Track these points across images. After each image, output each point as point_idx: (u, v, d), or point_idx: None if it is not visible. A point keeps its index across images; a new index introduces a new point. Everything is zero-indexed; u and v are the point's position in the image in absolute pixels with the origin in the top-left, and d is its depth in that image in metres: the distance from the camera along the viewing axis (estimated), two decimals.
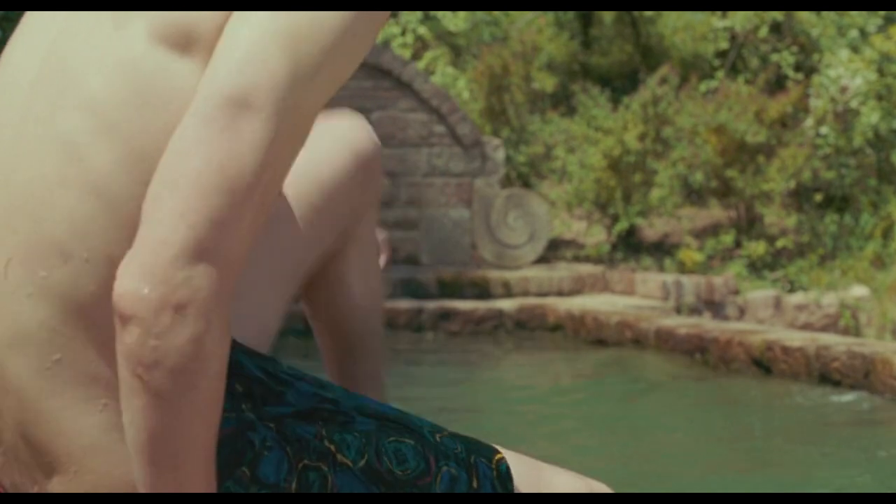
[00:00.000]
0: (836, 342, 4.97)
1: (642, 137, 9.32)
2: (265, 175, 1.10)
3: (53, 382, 1.19)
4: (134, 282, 1.06)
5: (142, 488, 1.12)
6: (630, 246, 9.46)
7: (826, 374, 4.76)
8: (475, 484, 1.34)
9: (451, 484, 1.32)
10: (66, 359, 1.18)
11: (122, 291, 1.07)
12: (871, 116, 9.10)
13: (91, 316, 1.17)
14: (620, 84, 11.97)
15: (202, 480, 1.13)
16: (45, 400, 1.19)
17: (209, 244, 1.07)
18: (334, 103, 1.44)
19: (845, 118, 9.26)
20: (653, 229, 9.78)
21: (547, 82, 11.26)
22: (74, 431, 1.20)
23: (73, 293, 1.17)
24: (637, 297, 7.91)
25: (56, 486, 1.21)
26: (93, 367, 1.19)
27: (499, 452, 1.39)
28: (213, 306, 1.07)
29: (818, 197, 9.47)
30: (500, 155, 8.97)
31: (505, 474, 1.37)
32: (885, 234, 8.78)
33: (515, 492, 1.37)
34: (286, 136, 1.11)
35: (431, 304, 7.66)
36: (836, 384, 4.69)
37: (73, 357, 1.18)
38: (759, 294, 8.06)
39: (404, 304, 7.68)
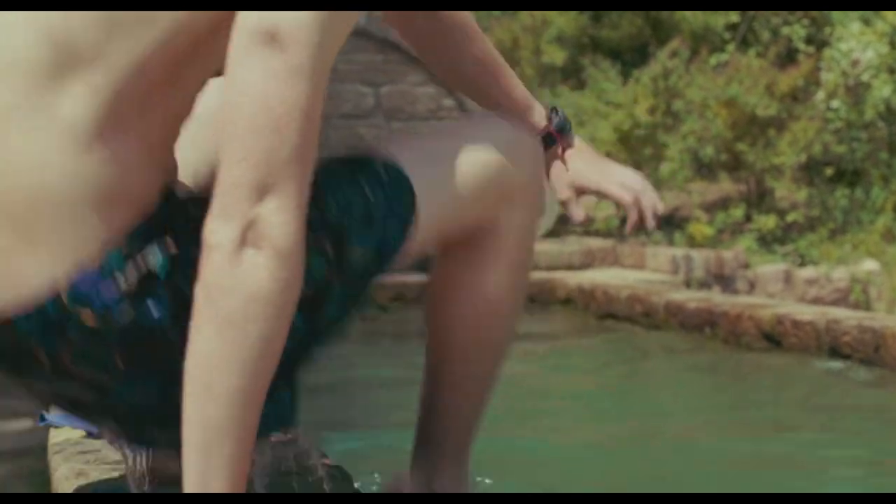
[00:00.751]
0: (847, 316, 4.95)
1: (652, 111, 9.30)
2: (305, 110, 1.23)
3: None
4: (215, 220, 1.21)
5: (189, 415, 1.21)
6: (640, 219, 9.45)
7: (836, 347, 4.75)
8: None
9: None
10: None
11: (207, 229, 1.22)
12: (882, 90, 9.05)
13: None
14: (630, 57, 11.93)
15: (251, 415, 1.22)
16: None
17: (271, 180, 1.21)
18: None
19: (857, 91, 9.22)
20: (663, 203, 9.75)
21: (557, 56, 11.24)
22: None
23: None
24: (647, 271, 7.90)
25: None
26: None
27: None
28: (284, 240, 1.21)
29: (829, 171, 9.44)
30: None
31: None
32: (895, 209, 8.77)
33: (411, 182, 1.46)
34: (316, 72, 1.24)
35: None
36: (846, 358, 4.68)
37: None
38: (770, 268, 8.04)
39: (414, 278, 7.67)
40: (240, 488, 1.23)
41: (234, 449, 1.22)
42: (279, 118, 1.21)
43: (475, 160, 1.56)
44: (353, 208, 1.41)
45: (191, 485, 1.22)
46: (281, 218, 1.21)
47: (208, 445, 1.22)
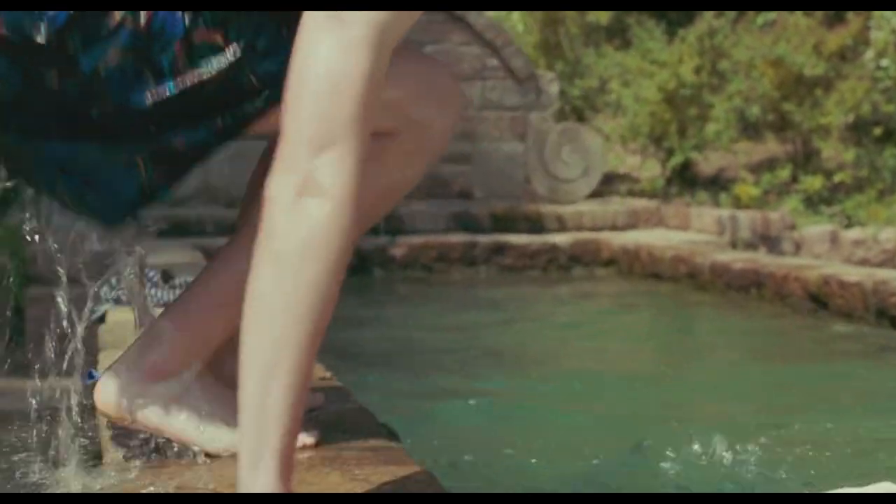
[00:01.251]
0: (894, 277, 4.91)
1: (698, 70, 9.21)
2: (364, 77, 1.34)
3: None
4: (277, 174, 1.34)
5: (246, 353, 1.34)
6: (685, 180, 9.39)
7: (883, 309, 4.72)
8: None
9: None
10: None
11: (269, 180, 1.34)
12: None
13: None
14: (676, 16, 11.81)
15: (306, 355, 1.34)
16: None
17: (330, 137, 1.33)
18: None
19: None
20: (708, 164, 9.70)
21: (602, 15, 11.14)
22: None
23: None
24: (692, 232, 7.86)
25: None
26: None
27: None
28: (340, 189, 1.32)
29: (877, 131, 9.32)
30: (555, 88, 8.90)
31: None
32: None
33: None
34: (376, 45, 1.36)
35: (485, 239, 7.65)
36: (894, 319, 4.65)
37: None
38: (816, 229, 7.98)
39: (458, 237, 7.68)
40: (295, 423, 1.34)
41: (290, 380, 1.33)
42: (339, 83, 1.33)
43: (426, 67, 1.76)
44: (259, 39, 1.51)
45: (248, 420, 1.33)
46: (338, 169, 1.32)
47: (266, 376, 1.33)
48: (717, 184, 9.32)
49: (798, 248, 7.87)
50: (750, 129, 9.90)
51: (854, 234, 7.92)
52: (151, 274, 3.93)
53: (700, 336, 5.30)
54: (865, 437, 3.17)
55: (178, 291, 3.68)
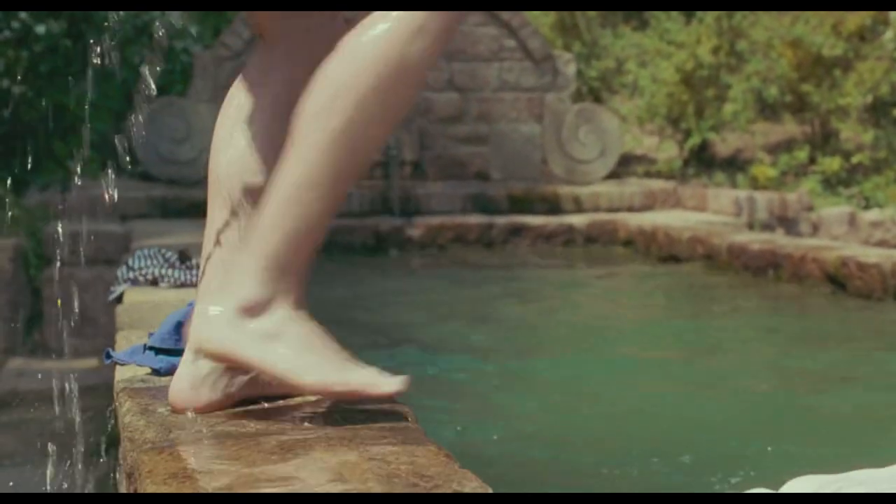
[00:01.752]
0: None
1: (716, 51, 9.18)
2: None
3: None
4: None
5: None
6: (702, 161, 9.36)
7: None
8: None
9: None
10: None
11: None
12: None
13: None
14: None
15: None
16: None
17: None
18: None
19: None
20: (725, 144, 9.66)
21: None
22: None
23: None
24: (709, 213, 7.84)
25: None
26: None
27: None
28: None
29: None
30: (572, 69, 8.87)
31: None
32: None
33: None
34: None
35: (502, 220, 7.65)
36: None
37: None
38: (834, 210, 7.95)
39: (475, 219, 7.67)
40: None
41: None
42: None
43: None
44: None
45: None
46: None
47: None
48: (735, 165, 9.29)
49: (816, 229, 7.85)
50: (768, 110, 9.87)
51: (872, 215, 7.89)
52: (169, 255, 3.93)
53: (717, 318, 5.29)
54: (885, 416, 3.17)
55: (195, 272, 3.68)
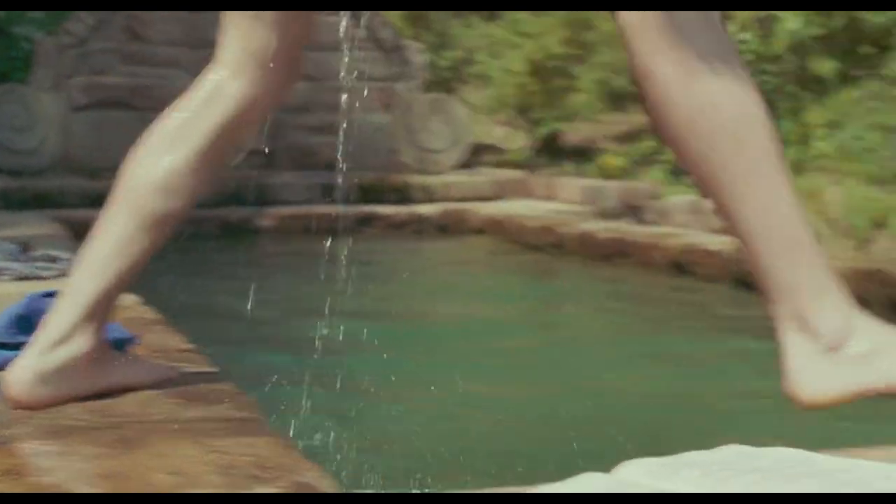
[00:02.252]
0: None
1: (564, 42, 9.28)
2: None
3: None
4: None
5: None
6: (552, 151, 9.46)
7: (743, 277, 4.80)
8: None
9: None
10: None
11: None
12: (791, 22, 9.11)
13: None
14: None
15: None
16: None
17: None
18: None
19: (767, 24, 9.27)
20: (575, 134, 9.78)
21: None
22: None
23: None
24: (558, 202, 7.92)
25: None
26: None
27: None
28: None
29: None
30: (422, 59, 8.89)
31: None
32: (803, 141, 8.84)
33: None
34: None
35: (351, 209, 7.63)
36: (752, 287, 4.74)
37: None
38: (679, 199, 8.10)
39: (324, 208, 7.64)
40: None
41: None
42: None
43: None
44: None
45: None
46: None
47: None
48: (584, 154, 9.40)
49: (662, 217, 7.99)
50: (616, 101, 10.01)
51: None
52: (10, 247, 3.83)
53: (565, 305, 5.35)
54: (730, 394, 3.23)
55: (38, 265, 3.59)
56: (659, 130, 1.69)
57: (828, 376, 1.55)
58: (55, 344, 1.73)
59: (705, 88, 1.58)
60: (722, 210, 1.65)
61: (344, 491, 1.39)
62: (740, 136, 1.57)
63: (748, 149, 1.57)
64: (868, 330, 1.56)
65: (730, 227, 1.66)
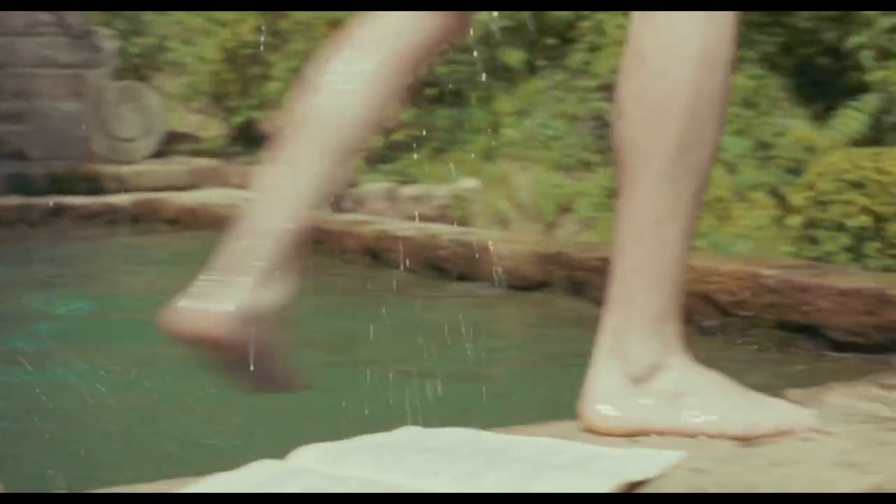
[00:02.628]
0: (444, 231, 5.14)
1: (258, 30, 9.24)
2: None
3: None
4: None
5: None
6: (248, 140, 9.41)
7: (434, 262, 4.92)
8: None
9: None
10: None
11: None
12: (481, 13, 9.33)
13: None
14: None
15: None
16: None
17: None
18: None
19: None
20: (270, 123, 9.76)
21: None
22: None
23: None
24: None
25: None
26: None
27: None
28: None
29: (431, 91, 9.68)
30: (112, 46, 8.68)
31: None
32: (493, 129, 9.10)
33: None
34: None
35: (42, 201, 7.39)
36: (444, 272, 4.86)
37: None
38: (374, 186, 8.21)
39: (13, 200, 7.38)
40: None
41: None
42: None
43: None
44: None
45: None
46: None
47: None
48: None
49: (360, 204, 8.07)
50: None
51: (411, 190, 8.20)
52: None
53: None
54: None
55: None
56: None
57: (628, 407, 1.53)
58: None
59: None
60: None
61: None
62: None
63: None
64: (681, 370, 1.55)
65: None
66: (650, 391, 1.52)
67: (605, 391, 1.53)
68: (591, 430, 1.52)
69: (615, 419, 1.52)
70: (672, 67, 1.48)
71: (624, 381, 1.52)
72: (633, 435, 1.51)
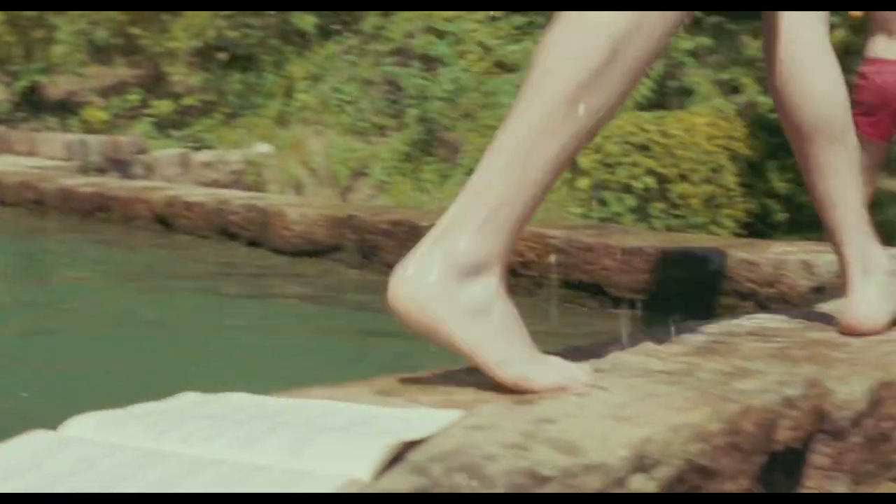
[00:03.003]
0: (236, 196, 5.08)
1: None
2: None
3: None
4: None
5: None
6: (32, 104, 9.14)
7: (225, 227, 4.86)
8: None
9: None
10: None
11: None
12: None
13: None
14: None
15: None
16: None
17: None
18: None
19: None
20: (56, 87, 9.50)
21: None
22: None
23: None
24: (40, 158, 7.68)
25: None
26: None
27: None
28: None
29: (223, 56, 9.56)
30: None
31: None
32: (287, 94, 9.04)
33: None
34: None
35: None
36: (235, 237, 4.81)
37: None
38: (166, 152, 8.07)
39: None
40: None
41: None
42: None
43: None
44: None
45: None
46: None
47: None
48: (66, 108, 9.16)
49: (150, 171, 7.93)
50: (99, 53, 9.81)
51: (203, 156, 8.10)
52: None
53: (47, 261, 5.21)
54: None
55: None
56: None
57: (432, 298, 1.45)
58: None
59: None
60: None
61: None
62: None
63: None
64: (497, 291, 1.51)
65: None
66: (461, 295, 1.46)
67: (420, 278, 1.46)
68: (392, 309, 1.46)
69: (415, 306, 1.45)
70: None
71: (443, 271, 1.45)
72: (415, 327, 1.46)
